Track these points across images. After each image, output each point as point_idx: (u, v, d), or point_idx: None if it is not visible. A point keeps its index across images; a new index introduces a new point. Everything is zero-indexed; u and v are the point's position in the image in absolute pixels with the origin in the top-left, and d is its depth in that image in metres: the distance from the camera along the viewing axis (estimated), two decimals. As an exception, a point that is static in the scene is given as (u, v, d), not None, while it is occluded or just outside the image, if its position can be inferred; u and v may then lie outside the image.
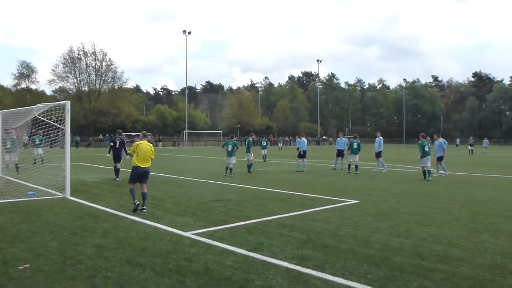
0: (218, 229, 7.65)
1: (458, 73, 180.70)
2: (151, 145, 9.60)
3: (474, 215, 9.22)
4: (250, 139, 20.61)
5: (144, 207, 9.23)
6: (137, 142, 9.54)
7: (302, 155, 20.11)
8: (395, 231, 7.55)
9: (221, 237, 6.97)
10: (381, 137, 21.23)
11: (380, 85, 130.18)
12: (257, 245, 6.47)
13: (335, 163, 21.64)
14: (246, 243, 6.59)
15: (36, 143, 20.82)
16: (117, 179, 15.27)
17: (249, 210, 9.59)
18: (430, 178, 16.46)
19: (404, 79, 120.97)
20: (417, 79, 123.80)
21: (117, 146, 15.67)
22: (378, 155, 20.66)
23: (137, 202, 9.22)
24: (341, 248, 6.39)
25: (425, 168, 16.64)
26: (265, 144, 28.92)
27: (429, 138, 24.51)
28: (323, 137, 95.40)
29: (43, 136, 18.42)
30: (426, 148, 16.95)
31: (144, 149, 9.36)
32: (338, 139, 21.72)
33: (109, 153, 15.92)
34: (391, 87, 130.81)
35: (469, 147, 43.77)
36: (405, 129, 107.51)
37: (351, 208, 10.07)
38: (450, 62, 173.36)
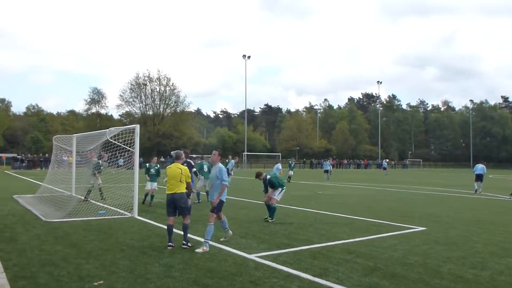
0: (282, 252, 7.63)
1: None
2: (182, 167, 8.18)
3: (557, 246, 8.54)
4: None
5: (184, 242, 7.99)
6: (168, 167, 8.35)
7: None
8: (468, 262, 7.15)
9: (285, 261, 6.93)
10: None
11: (445, 107, 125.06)
12: (322, 271, 6.37)
13: (475, 186, 22.72)
14: (311, 268, 6.51)
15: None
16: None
17: (311, 234, 9.48)
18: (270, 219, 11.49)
19: (471, 100, 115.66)
20: (486, 100, 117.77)
21: None
22: None
23: (171, 245, 7.92)
24: (411, 277, 6.14)
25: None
26: (292, 165, 32.99)
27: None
28: (386, 160, 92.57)
29: (107, 159, 18.08)
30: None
31: (172, 173, 8.05)
32: (476, 164, 23.91)
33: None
34: (456, 109, 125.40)
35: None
36: (473, 153, 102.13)
37: (418, 235, 9.68)
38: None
